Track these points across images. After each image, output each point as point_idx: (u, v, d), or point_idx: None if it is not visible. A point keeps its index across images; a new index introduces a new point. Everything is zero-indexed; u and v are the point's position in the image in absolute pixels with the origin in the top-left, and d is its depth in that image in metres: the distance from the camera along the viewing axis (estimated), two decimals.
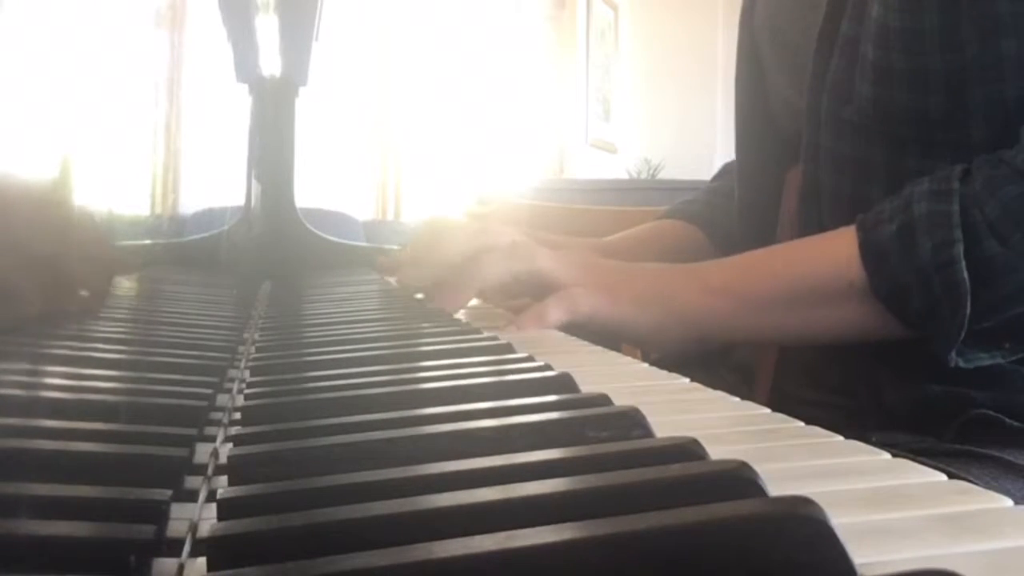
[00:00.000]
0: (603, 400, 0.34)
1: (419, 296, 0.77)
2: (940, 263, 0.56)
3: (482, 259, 0.68)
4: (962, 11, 0.60)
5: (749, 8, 0.85)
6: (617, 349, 0.58)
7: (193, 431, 0.32)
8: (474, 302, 0.85)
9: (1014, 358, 0.60)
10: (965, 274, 0.55)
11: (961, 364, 0.58)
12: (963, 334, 0.56)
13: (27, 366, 0.38)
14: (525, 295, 0.71)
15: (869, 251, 0.59)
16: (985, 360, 0.59)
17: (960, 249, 0.55)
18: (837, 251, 0.62)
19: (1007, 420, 0.62)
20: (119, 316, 0.59)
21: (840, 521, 0.20)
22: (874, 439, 0.32)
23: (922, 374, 0.65)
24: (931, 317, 0.57)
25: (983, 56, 0.60)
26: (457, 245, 0.73)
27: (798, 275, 0.64)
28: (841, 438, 0.32)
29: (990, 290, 0.55)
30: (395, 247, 1.24)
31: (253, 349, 0.53)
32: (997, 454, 0.61)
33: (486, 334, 0.56)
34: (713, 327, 0.66)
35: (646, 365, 0.50)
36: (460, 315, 0.71)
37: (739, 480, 0.23)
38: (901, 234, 0.58)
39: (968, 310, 0.55)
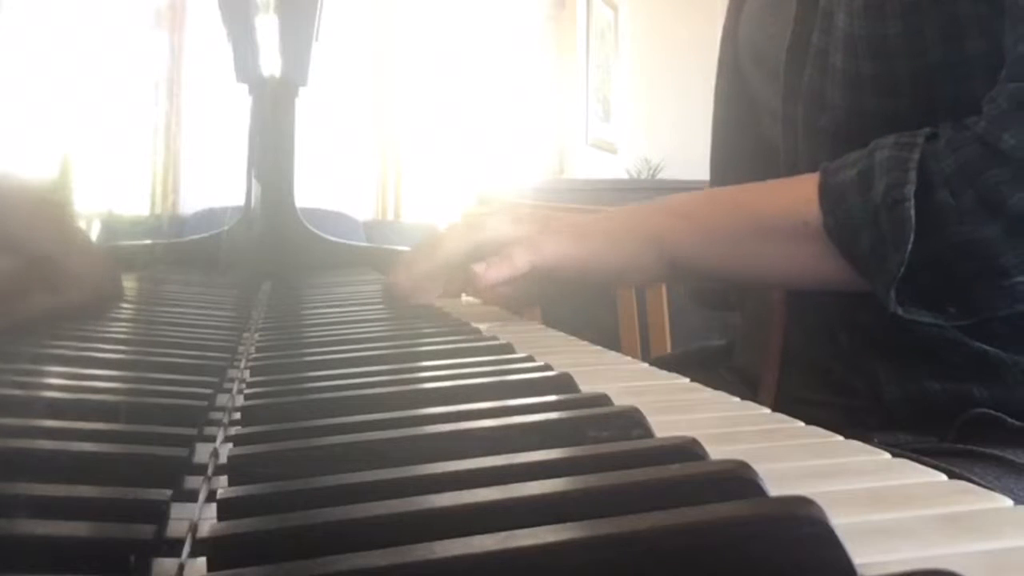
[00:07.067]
0: (603, 400, 0.34)
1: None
2: (891, 201, 0.57)
3: (441, 236, 0.70)
4: (924, 16, 0.61)
5: (732, 28, 0.86)
6: (616, 347, 0.58)
7: (193, 431, 0.32)
8: (467, 299, 0.85)
9: (960, 324, 0.60)
10: (912, 212, 0.56)
11: (900, 313, 0.58)
12: (902, 271, 0.57)
13: (27, 366, 0.38)
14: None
15: (828, 192, 0.61)
16: (927, 318, 0.59)
17: (911, 190, 0.56)
18: (798, 192, 0.63)
19: (1008, 419, 0.62)
20: (119, 316, 0.59)
21: (840, 521, 0.20)
22: (876, 439, 0.32)
23: (921, 370, 0.65)
24: (875, 255, 0.58)
25: (948, 58, 0.61)
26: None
27: (757, 210, 0.65)
28: (841, 438, 0.32)
29: (936, 238, 0.56)
30: (399, 248, 1.24)
31: (253, 349, 0.53)
32: (999, 453, 0.61)
33: (486, 334, 0.56)
34: (679, 251, 0.67)
35: (646, 365, 0.50)
36: (460, 315, 0.71)
37: (739, 480, 0.23)
38: (860, 177, 0.59)
39: (911, 246, 0.56)
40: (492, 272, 0.66)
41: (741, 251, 0.65)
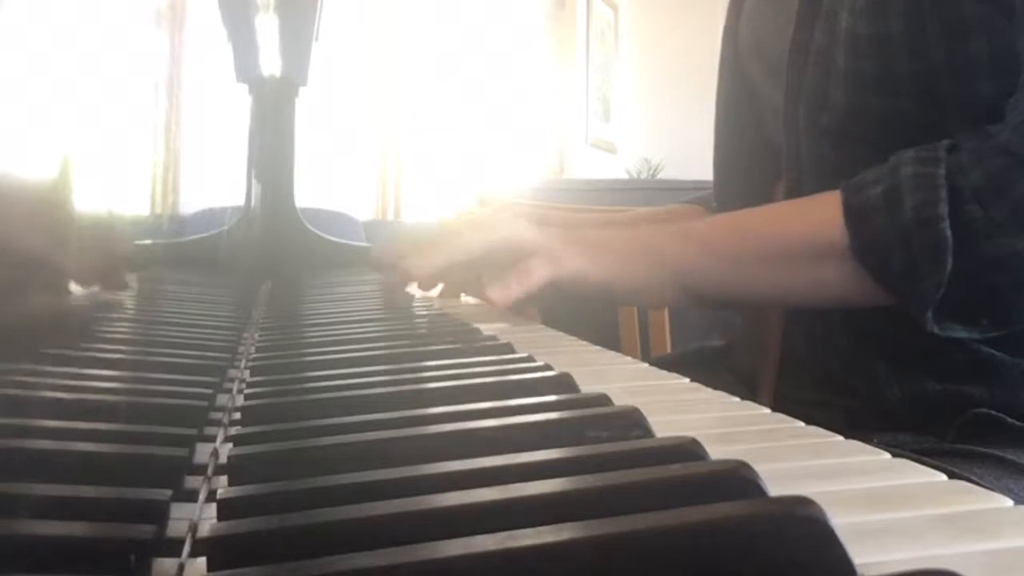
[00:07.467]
0: (603, 400, 0.34)
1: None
2: (922, 220, 0.56)
3: (458, 232, 0.69)
4: (926, 16, 0.61)
5: (733, 26, 0.85)
6: (616, 347, 0.58)
7: (193, 431, 0.32)
8: (472, 300, 0.85)
9: (990, 336, 0.60)
10: (948, 232, 0.55)
11: (936, 331, 0.57)
12: (941, 292, 0.56)
13: (27, 366, 0.38)
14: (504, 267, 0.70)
15: (853, 212, 0.59)
16: (960, 333, 0.58)
17: (944, 209, 0.55)
18: (819, 212, 0.62)
19: (1007, 419, 0.62)
20: (119, 316, 0.59)
21: (840, 521, 0.20)
22: (875, 440, 0.32)
23: (921, 370, 0.65)
24: (909, 277, 0.57)
25: (952, 58, 0.61)
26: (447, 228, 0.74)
27: (777, 233, 0.64)
28: (841, 438, 0.32)
29: (969, 255, 0.55)
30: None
31: (253, 349, 0.53)
32: (999, 453, 0.61)
33: (486, 334, 0.56)
34: (697, 279, 0.66)
35: (646, 365, 0.50)
36: (460, 315, 0.71)
37: (739, 480, 0.23)
38: (886, 196, 0.58)
39: (949, 267, 0.55)
40: (512, 290, 0.64)
41: (763, 275, 0.64)
